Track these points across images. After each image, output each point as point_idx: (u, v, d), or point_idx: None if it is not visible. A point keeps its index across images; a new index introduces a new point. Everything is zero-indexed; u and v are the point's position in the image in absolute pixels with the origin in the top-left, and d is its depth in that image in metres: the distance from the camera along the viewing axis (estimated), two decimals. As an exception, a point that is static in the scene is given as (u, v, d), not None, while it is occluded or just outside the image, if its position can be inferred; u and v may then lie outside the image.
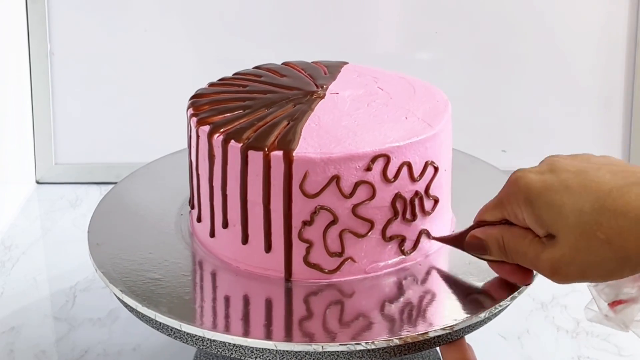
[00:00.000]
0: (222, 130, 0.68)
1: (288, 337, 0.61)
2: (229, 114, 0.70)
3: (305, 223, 0.65)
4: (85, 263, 0.72)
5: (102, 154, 1.16)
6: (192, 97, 0.75)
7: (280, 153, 0.65)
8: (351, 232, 0.66)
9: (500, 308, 0.64)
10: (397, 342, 0.60)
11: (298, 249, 0.66)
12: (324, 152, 0.64)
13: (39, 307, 0.90)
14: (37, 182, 1.16)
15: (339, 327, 0.62)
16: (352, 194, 0.65)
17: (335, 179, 0.64)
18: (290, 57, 0.84)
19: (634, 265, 0.54)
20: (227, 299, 0.66)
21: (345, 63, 0.80)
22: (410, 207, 0.67)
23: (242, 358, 0.62)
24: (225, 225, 0.69)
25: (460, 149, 0.74)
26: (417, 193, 0.67)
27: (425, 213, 0.68)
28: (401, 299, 0.65)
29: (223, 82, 0.78)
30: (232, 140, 0.66)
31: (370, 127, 0.68)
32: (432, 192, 0.68)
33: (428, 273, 0.68)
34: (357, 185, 0.65)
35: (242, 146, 0.66)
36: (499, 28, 1.15)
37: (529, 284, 0.64)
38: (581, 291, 0.92)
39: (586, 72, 1.15)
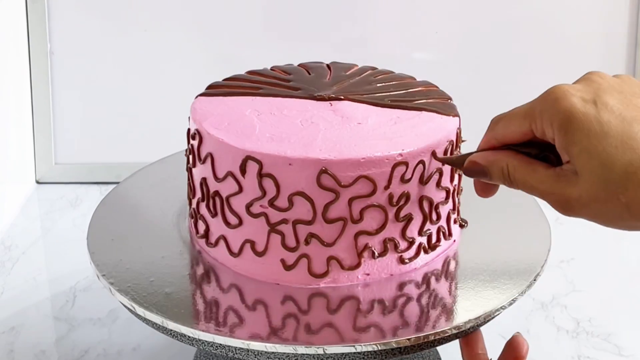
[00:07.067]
0: None
1: (289, 339, 0.61)
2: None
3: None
4: (85, 263, 0.71)
5: (102, 154, 1.16)
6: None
7: None
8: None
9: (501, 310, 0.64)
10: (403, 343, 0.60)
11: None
12: None
13: (39, 307, 0.90)
14: (37, 182, 1.16)
15: (340, 328, 0.62)
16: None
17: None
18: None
19: None
20: (227, 301, 0.66)
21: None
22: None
23: (243, 359, 0.62)
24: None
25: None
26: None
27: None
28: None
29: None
30: None
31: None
32: None
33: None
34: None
35: None
36: (498, 28, 1.14)
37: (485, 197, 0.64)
38: (582, 291, 0.93)
39: (586, 72, 1.15)
